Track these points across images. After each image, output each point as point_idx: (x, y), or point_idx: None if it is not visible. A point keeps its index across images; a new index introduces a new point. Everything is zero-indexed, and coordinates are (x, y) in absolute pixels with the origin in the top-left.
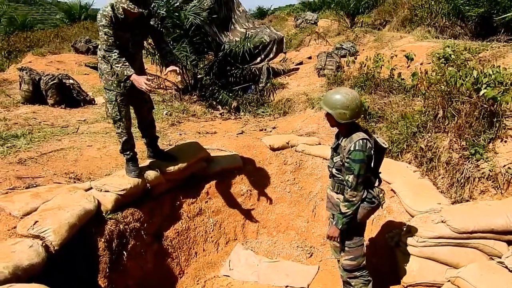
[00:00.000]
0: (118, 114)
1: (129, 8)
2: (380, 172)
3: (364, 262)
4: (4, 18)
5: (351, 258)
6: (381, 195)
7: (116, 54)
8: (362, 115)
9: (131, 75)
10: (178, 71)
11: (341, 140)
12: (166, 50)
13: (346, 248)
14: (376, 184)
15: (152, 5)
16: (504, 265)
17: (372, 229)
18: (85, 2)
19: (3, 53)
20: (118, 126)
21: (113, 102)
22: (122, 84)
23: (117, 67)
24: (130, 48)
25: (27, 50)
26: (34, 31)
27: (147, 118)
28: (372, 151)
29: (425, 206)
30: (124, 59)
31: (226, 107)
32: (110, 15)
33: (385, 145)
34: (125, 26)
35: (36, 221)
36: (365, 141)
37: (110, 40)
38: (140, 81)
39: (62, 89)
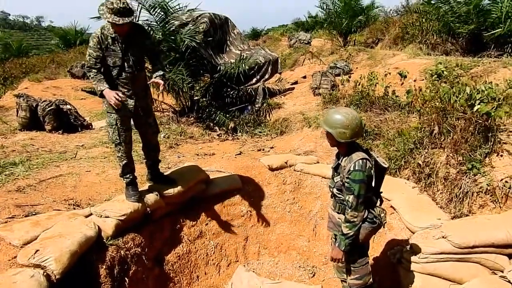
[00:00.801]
0: (118, 138)
1: (114, 21)
2: (381, 192)
3: (371, 279)
4: None
5: (357, 277)
6: (382, 214)
7: (93, 73)
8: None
9: (103, 90)
10: (160, 86)
11: (341, 160)
12: (157, 67)
13: (351, 268)
14: (378, 203)
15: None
16: (507, 280)
17: (373, 246)
18: (81, 27)
19: None
20: (118, 149)
21: (113, 126)
22: (122, 106)
23: (94, 84)
24: (127, 69)
25: (23, 76)
26: (30, 57)
27: (151, 141)
28: (372, 171)
29: (425, 222)
30: (100, 76)
31: (223, 128)
32: (98, 36)
33: (385, 164)
34: (118, 47)
35: (37, 250)
36: (365, 161)
37: (90, 61)
38: (110, 96)
39: (60, 114)
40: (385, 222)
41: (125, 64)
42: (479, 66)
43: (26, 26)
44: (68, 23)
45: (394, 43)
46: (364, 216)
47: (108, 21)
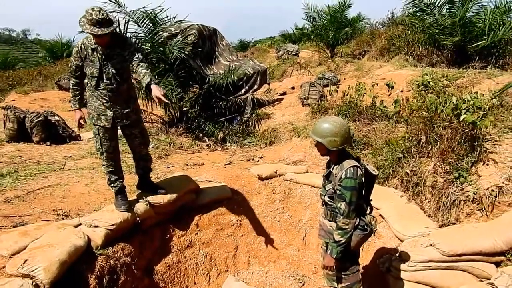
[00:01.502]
0: (100, 147)
1: (93, 32)
2: (371, 200)
3: (361, 287)
4: None
5: (347, 285)
6: (373, 222)
7: (72, 84)
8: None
9: (74, 109)
10: (161, 100)
11: (333, 168)
12: (141, 73)
13: (342, 276)
14: (368, 211)
15: (115, 28)
16: (494, 286)
17: (363, 255)
18: (67, 39)
19: None
20: (103, 159)
21: (97, 136)
22: (102, 117)
23: (71, 95)
24: (106, 80)
25: (10, 89)
26: (16, 70)
27: (139, 152)
28: (363, 178)
29: (413, 231)
30: (76, 91)
31: (213, 138)
32: (79, 45)
33: (375, 172)
34: (97, 58)
35: (26, 260)
36: (356, 168)
37: (71, 69)
38: (75, 117)
39: (48, 126)
40: (376, 230)
41: (103, 75)
42: (464, 77)
43: (12, 39)
44: (54, 36)
45: (381, 55)
46: (356, 224)
47: (88, 32)
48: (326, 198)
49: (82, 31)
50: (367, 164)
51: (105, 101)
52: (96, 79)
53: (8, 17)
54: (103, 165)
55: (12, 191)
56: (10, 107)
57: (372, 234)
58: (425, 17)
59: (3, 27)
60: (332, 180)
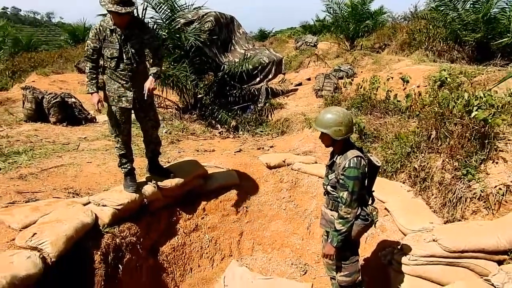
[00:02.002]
0: (116, 129)
1: (117, 10)
2: (373, 191)
3: (360, 277)
4: (9, 39)
5: (346, 274)
6: (374, 213)
7: (88, 68)
8: (358, 135)
9: (91, 92)
10: (149, 88)
11: (336, 158)
12: (153, 63)
13: (342, 265)
14: (370, 202)
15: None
16: (490, 283)
17: (365, 247)
18: (90, 23)
19: (7, 73)
20: (117, 141)
21: (112, 118)
22: (123, 98)
23: (86, 82)
24: (126, 60)
25: (31, 70)
26: (39, 52)
27: (150, 135)
28: (366, 169)
29: (417, 225)
30: (93, 75)
31: (225, 126)
32: (97, 27)
33: (378, 163)
34: (116, 38)
35: (35, 233)
36: (359, 158)
37: (88, 52)
38: (93, 101)
39: (64, 107)
40: (377, 221)
41: (123, 55)
42: (483, 74)
43: (36, 22)
44: (77, 20)
45: (401, 49)
46: (357, 213)
47: (111, 11)
48: (329, 188)
49: (101, 14)
50: (371, 155)
51: (124, 82)
52: (116, 59)
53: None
54: (116, 147)
55: (27, 169)
56: (29, 88)
57: (373, 225)
58: (448, 12)
59: (28, 9)
60: (335, 169)
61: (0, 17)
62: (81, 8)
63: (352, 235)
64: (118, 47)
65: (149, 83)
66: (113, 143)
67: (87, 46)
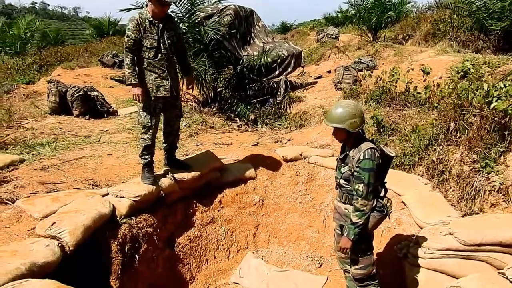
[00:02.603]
0: (149, 121)
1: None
2: (386, 182)
3: (374, 270)
4: (37, 33)
5: (361, 267)
6: (388, 204)
7: (129, 59)
8: (376, 128)
9: (134, 84)
10: (191, 86)
11: (350, 150)
12: (187, 65)
13: (357, 258)
14: (382, 193)
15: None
16: (505, 276)
17: (381, 240)
18: (114, 18)
19: (34, 67)
20: (145, 132)
21: (146, 110)
22: (161, 88)
23: (126, 73)
24: (163, 50)
25: (58, 64)
26: (65, 46)
27: (172, 125)
28: (380, 160)
29: (434, 219)
30: (134, 67)
31: (244, 119)
32: (136, 19)
33: (392, 153)
34: (154, 29)
35: (54, 223)
36: (373, 150)
37: (129, 43)
38: (134, 92)
39: (87, 100)
40: (391, 212)
41: (161, 45)
42: (507, 64)
43: (64, 16)
44: (103, 14)
45: (425, 40)
46: (373, 205)
47: (156, 0)
48: (342, 181)
49: (127, 10)
50: (383, 146)
51: (161, 72)
52: (155, 49)
53: None
54: (142, 138)
55: (50, 160)
56: (54, 81)
57: (388, 217)
58: (473, 0)
59: (56, 4)
60: (348, 162)
61: (29, 12)
62: (105, 3)
63: (368, 227)
64: (156, 38)
65: (193, 81)
66: (140, 135)
67: (127, 37)
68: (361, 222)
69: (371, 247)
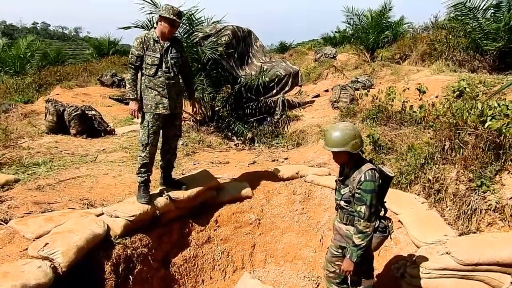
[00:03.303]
0: (146, 139)
1: (174, 19)
2: (385, 202)
3: None
4: (38, 53)
5: None
6: (390, 224)
7: (131, 74)
8: (372, 146)
9: (132, 98)
10: (194, 108)
11: (349, 172)
12: (191, 89)
13: (360, 280)
14: (382, 213)
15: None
16: None
17: (378, 260)
18: (114, 38)
19: (33, 86)
20: (143, 150)
21: (145, 127)
22: (160, 105)
23: (127, 85)
24: (164, 68)
25: (57, 83)
26: (65, 66)
27: (170, 143)
28: (380, 181)
29: (431, 238)
30: (135, 82)
31: (241, 138)
32: (141, 37)
33: (391, 174)
34: (158, 48)
35: (47, 243)
36: (373, 171)
37: (132, 59)
38: (131, 107)
39: (84, 119)
40: (392, 232)
41: (163, 64)
42: (502, 83)
43: (65, 37)
44: (104, 34)
45: (422, 60)
46: (376, 226)
47: (170, 18)
48: (342, 203)
49: (126, 28)
50: (382, 166)
51: (161, 89)
52: (156, 67)
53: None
54: (140, 156)
55: (45, 180)
56: (51, 101)
57: (389, 237)
58: (468, 22)
59: (57, 24)
60: (349, 184)
61: (30, 32)
62: (105, 23)
63: (371, 248)
64: (159, 56)
65: (197, 106)
66: (138, 152)
67: (131, 53)
68: (364, 244)
69: (372, 268)
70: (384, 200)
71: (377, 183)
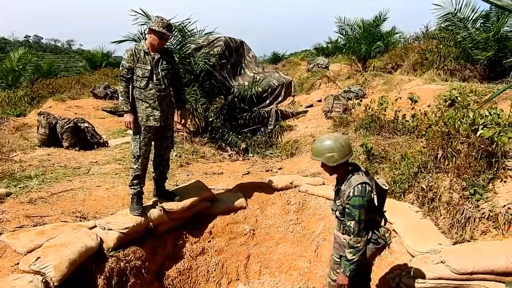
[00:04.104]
0: (138, 151)
1: (164, 32)
2: (385, 211)
3: None
4: (30, 66)
5: None
6: (387, 234)
7: (123, 87)
8: (366, 156)
9: (126, 111)
10: (183, 120)
11: (341, 183)
12: (182, 101)
13: None
14: (382, 223)
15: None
16: None
17: (373, 269)
18: (108, 50)
19: (26, 99)
20: (135, 162)
21: (136, 139)
22: (151, 117)
23: (120, 98)
24: (155, 81)
25: (49, 96)
26: (58, 78)
27: (162, 155)
28: (372, 194)
29: (425, 247)
30: (127, 94)
31: (235, 148)
32: (132, 49)
33: (386, 186)
34: (148, 60)
35: (38, 257)
36: (364, 185)
37: (123, 71)
38: (126, 118)
39: (77, 132)
40: (390, 242)
41: (154, 76)
42: (493, 92)
43: (57, 49)
44: (96, 47)
45: (413, 69)
46: (368, 238)
47: (159, 31)
48: (337, 213)
49: (119, 41)
50: (378, 178)
51: (152, 101)
52: (146, 79)
53: (55, 28)
54: (132, 168)
55: (37, 193)
56: (44, 113)
57: (387, 247)
58: (458, 31)
59: (50, 37)
60: (341, 196)
61: (23, 45)
62: (100, 36)
63: (366, 260)
64: (149, 68)
65: (186, 115)
66: (130, 164)
67: (122, 66)
68: (356, 259)
69: (369, 278)
70: (384, 210)
71: (367, 198)
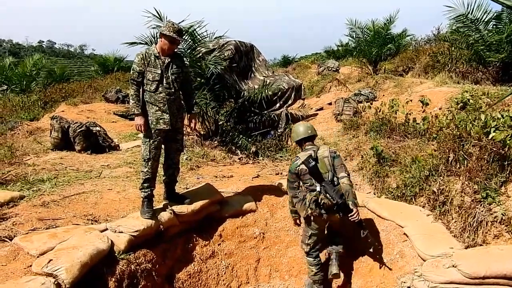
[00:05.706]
0: (148, 154)
1: (174, 37)
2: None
3: None
4: (43, 71)
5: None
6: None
7: (133, 90)
8: (376, 158)
9: (137, 114)
10: (193, 124)
11: None
12: (191, 104)
13: None
14: (318, 189)
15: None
16: None
17: (384, 273)
18: (120, 55)
19: (39, 104)
20: (146, 165)
21: (146, 143)
22: (160, 121)
23: (131, 101)
24: (165, 84)
25: (62, 100)
26: (70, 83)
27: (172, 158)
28: (297, 168)
29: (437, 251)
30: (138, 97)
31: (245, 152)
32: (142, 53)
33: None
34: (159, 64)
35: (50, 260)
36: (296, 159)
37: (133, 75)
38: (137, 121)
39: (89, 136)
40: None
41: (164, 80)
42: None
43: (70, 54)
44: (109, 51)
45: (425, 72)
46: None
47: (170, 36)
48: None
49: (131, 43)
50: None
51: (162, 105)
52: (156, 83)
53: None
54: (143, 171)
55: (50, 196)
56: (56, 117)
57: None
58: (470, 33)
59: (63, 42)
60: None
61: (36, 50)
62: (112, 40)
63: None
64: (160, 72)
65: (195, 119)
66: (141, 168)
67: (133, 70)
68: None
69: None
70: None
71: (292, 170)
